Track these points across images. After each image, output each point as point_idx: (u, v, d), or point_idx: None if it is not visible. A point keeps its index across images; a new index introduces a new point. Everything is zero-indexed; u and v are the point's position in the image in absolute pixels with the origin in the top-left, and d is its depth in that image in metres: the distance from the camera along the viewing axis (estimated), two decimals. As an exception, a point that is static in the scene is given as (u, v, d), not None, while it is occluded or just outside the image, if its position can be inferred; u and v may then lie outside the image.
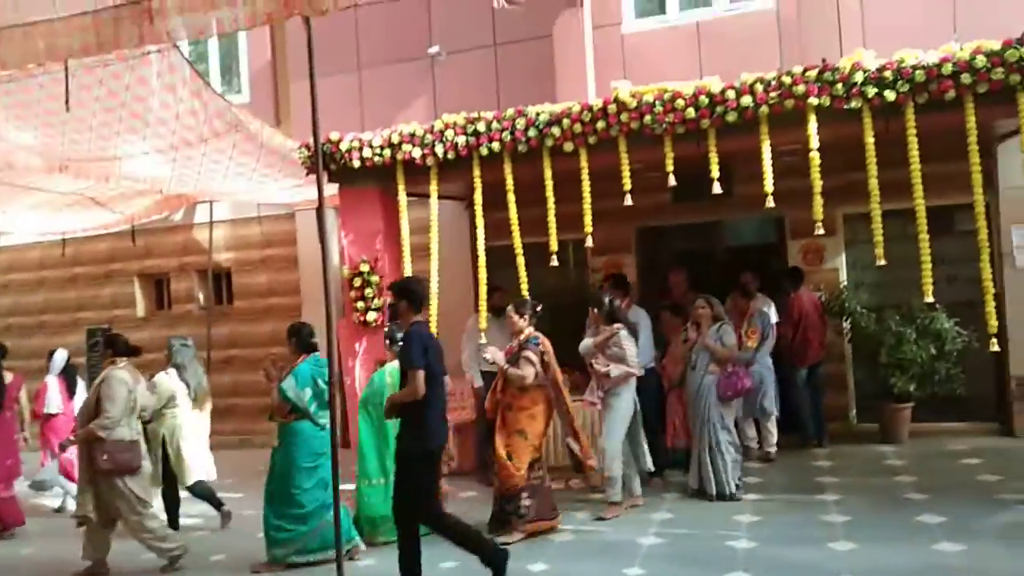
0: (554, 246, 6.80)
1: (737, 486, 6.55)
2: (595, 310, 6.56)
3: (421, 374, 4.86)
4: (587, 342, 6.47)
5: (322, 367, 5.74)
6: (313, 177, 7.54)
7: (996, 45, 5.72)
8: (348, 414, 7.82)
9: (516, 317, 6.15)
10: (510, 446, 5.93)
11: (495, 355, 6.05)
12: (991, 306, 5.98)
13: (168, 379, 6.75)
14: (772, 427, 7.78)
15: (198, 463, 6.84)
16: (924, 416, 8.17)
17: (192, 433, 6.81)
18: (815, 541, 5.42)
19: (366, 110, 9.66)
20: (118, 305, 11.79)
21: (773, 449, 7.76)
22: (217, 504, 6.90)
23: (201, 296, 11.40)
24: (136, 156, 7.07)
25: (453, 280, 8.05)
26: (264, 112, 9.56)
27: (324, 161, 6.94)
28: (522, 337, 6.09)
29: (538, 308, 6.26)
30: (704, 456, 6.58)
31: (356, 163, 7.23)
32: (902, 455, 7.63)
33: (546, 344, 6.13)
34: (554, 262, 6.80)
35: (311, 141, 6.96)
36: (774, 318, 7.86)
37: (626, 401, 6.35)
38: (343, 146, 7.26)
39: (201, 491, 6.84)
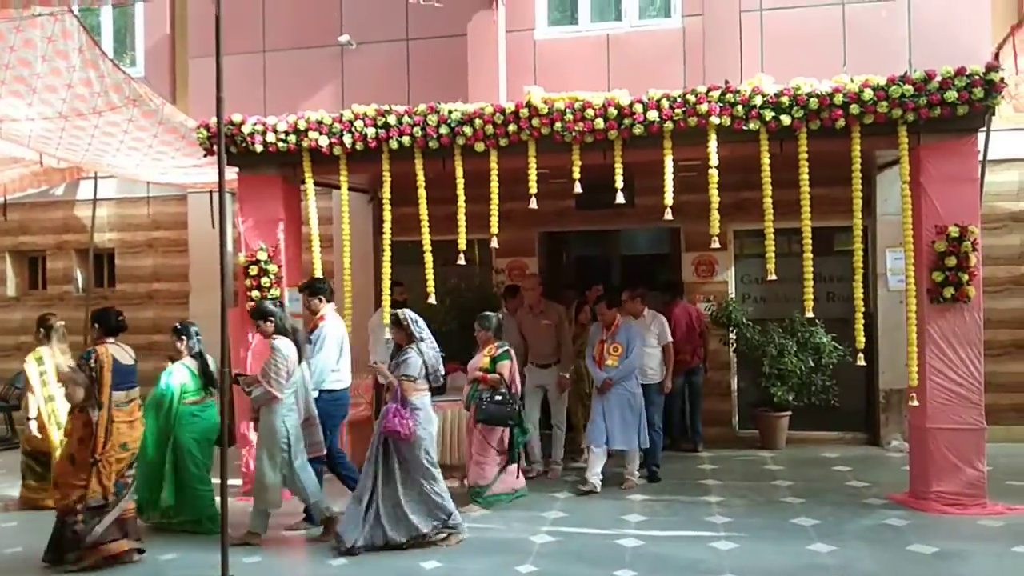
0: (463, 244, 6.80)
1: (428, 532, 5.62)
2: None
3: None
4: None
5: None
6: (209, 159, 7.31)
7: (882, 80, 6.13)
8: (236, 407, 7.55)
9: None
10: None
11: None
12: (860, 323, 6.40)
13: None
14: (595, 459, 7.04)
15: None
16: (800, 424, 8.67)
17: None
18: (699, 540, 5.64)
19: (269, 94, 9.37)
20: (-15, 282, 10.98)
21: (634, 475, 7.16)
22: None
23: (80, 277, 10.75)
24: (20, 121, 6.60)
25: (355, 274, 7.91)
26: (159, 88, 9.12)
27: (224, 144, 6.68)
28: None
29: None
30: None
31: (258, 147, 7.00)
32: (779, 460, 8.05)
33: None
34: (462, 261, 6.81)
35: (211, 121, 6.75)
36: (667, 337, 7.56)
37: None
38: (245, 129, 7.02)
39: None
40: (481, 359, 6.66)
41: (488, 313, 6.88)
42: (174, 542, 5.87)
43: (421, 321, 5.87)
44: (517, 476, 6.85)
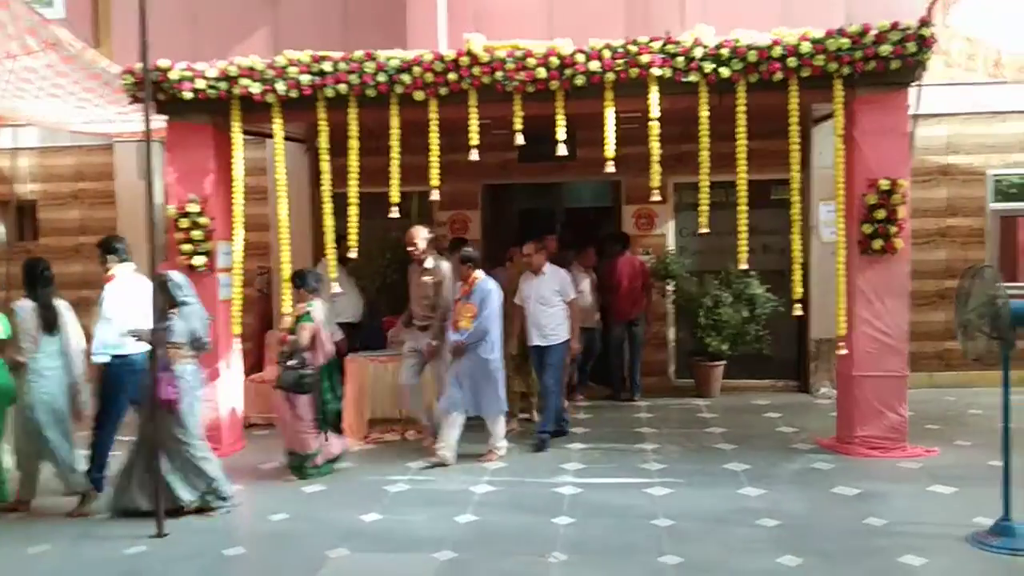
0: (396, 197, 6.68)
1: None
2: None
3: None
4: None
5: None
6: (136, 107, 6.99)
7: (820, 33, 6.18)
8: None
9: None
10: None
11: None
12: (798, 275, 6.57)
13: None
14: (498, 427, 6.63)
15: None
16: (734, 373, 8.91)
17: None
18: (634, 487, 5.78)
19: (199, 39, 8.98)
20: None
21: (498, 447, 6.60)
22: None
23: (1, 230, 10.28)
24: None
25: (291, 228, 7.75)
26: (80, 30, 8.63)
27: (151, 91, 6.40)
28: None
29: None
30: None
31: (187, 95, 6.72)
32: (713, 408, 8.27)
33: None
34: (395, 213, 6.69)
35: (137, 67, 6.44)
36: (568, 293, 6.97)
37: None
38: (173, 75, 6.72)
39: None
40: (289, 319, 6.31)
41: (303, 270, 6.53)
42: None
43: (188, 285, 5.60)
44: (328, 441, 6.27)
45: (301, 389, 6.04)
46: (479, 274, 6.50)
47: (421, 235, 6.76)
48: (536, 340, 6.94)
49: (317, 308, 6.23)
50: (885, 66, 6.14)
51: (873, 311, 6.42)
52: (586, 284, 8.42)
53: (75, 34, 6.61)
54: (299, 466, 6.18)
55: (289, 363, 6.06)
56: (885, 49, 6.07)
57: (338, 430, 6.50)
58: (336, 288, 6.98)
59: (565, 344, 6.94)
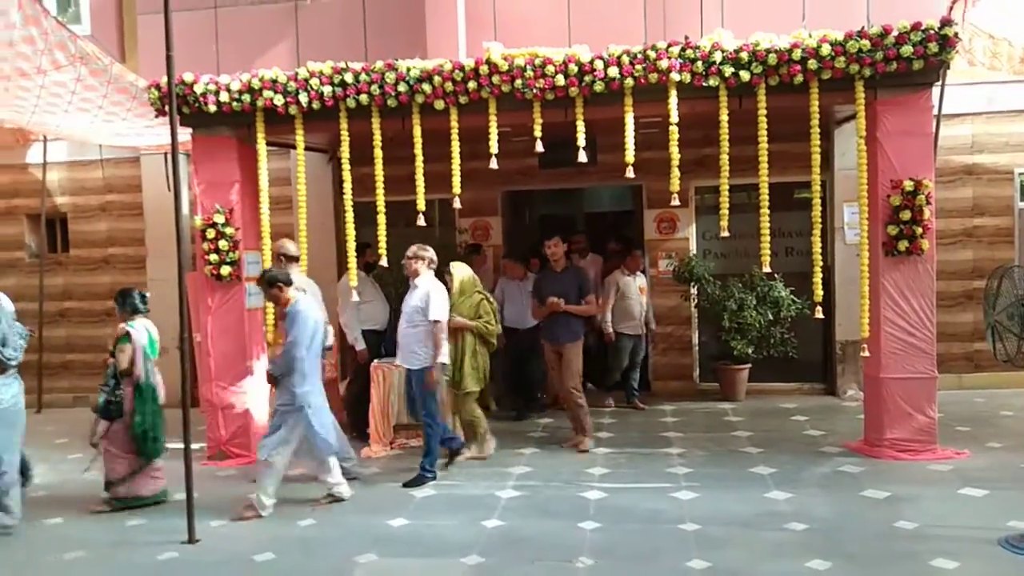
0: (421, 205, 6.75)
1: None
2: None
3: None
4: None
5: None
6: (162, 120, 7.12)
7: (840, 35, 6.16)
8: (197, 372, 7.50)
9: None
10: None
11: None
12: (819, 277, 6.53)
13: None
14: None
15: None
16: (760, 376, 8.86)
17: None
18: (660, 491, 5.77)
19: (222, 52, 9.11)
20: (-67, 250, 10.66)
21: (335, 491, 5.82)
22: None
23: (33, 243, 10.49)
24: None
25: (315, 237, 7.85)
26: (106, 47, 8.82)
27: (176, 104, 6.51)
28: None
29: None
30: None
31: (212, 108, 6.83)
32: (739, 412, 8.23)
33: None
34: (421, 222, 6.76)
35: (162, 80, 6.56)
36: (437, 313, 6.07)
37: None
38: (198, 89, 6.84)
39: None
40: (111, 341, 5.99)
41: (126, 289, 6.03)
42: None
43: (4, 304, 5.49)
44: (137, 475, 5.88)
45: (106, 414, 5.74)
46: (292, 294, 5.72)
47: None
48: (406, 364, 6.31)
49: (138, 329, 5.83)
50: (907, 67, 6.10)
51: (900, 312, 6.37)
52: (633, 289, 8.41)
53: (101, 49, 6.76)
54: (107, 488, 5.89)
55: (102, 386, 5.79)
56: (907, 50, 6.03)
57: (147, 457, 5.84)
58: (355, 297, 7.05)
59: (427, 370, 6.12)
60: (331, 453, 5.78)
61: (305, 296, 5.88)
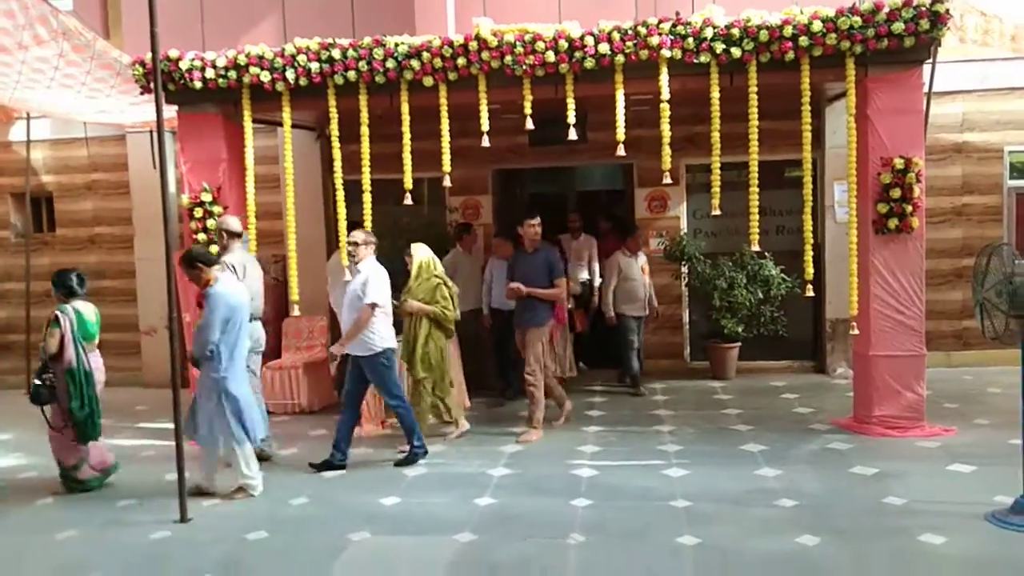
0: (409, 184, 6.69)
1: None
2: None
3: None
4: None
5: None
6: (148, 97, 7.02)
7: (831, 12, 6.12)
8: (187, 352, 7.45)
9: None
10: None
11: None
12: (809, 255, 6.54)
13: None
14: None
15: None
16: (750, 355, 8.90)
17: None
18: (651, 468, 5.80)
19: (207, 28, 8.98)
20: (-85, 230, 10.52)
21: (248, 483, 5.61)
22: None
23: (18, 223, 10.37)
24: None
25: (303, 215, 7.79)
26: (90, 21, 8.67)
27: (161, 81, 6.42)
28: None
29: None
30: None
31: (197, 84, 6.75)
32: (729, 390, 8.28)
33: None
34: (408, 200, 6.71)
35: (147, 57, 6.47)
36: (372, 295, 5.97)
37: None
38: (183, 65, 6.75)
39: None
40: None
41: (63, 271, 5.92)
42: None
43: None
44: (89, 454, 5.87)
45: (37, 399, 5.63)
46: (214, 274, 5.49)
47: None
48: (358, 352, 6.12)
49: (69, 312, 5.69)
50: (898, 44, 6.08)
51: (889, 291, 6.39)
52: (636, 270, 8.24)
53: (84, 25, 6.64)
54: (64, 477, 5.85)
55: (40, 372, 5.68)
56: (898, 27, 6.00)
57: (85, 440, 5.73)
58: (347, 276, 7.00)
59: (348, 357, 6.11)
60: (245, 442, 5.48)
61: (228, 276, 5.65)
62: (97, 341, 5.91)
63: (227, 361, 5.42)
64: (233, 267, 6.15)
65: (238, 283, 5.80)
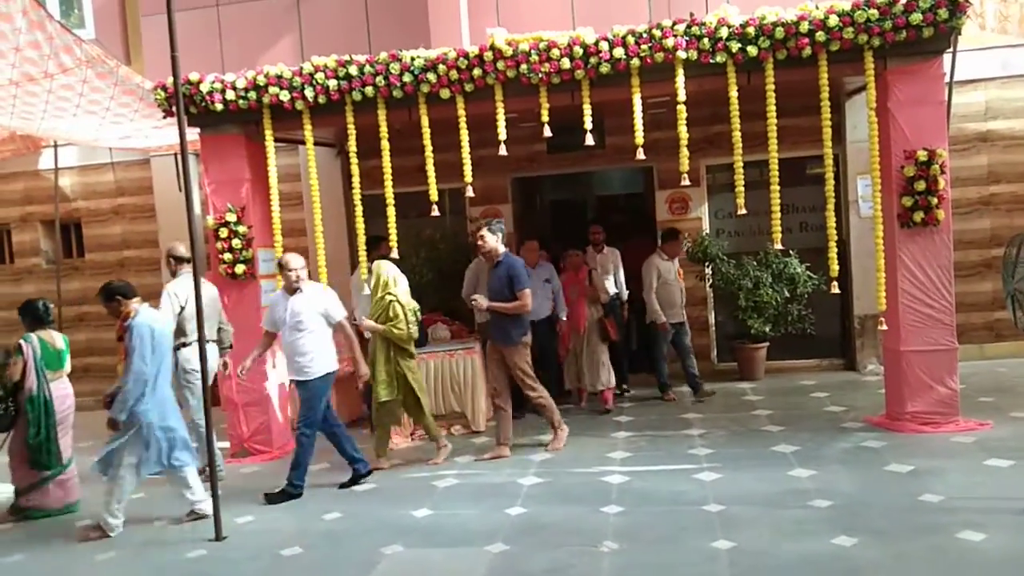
0: (434, 195, 6.72)
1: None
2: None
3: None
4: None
5: None
6: (169, 121, 7.14)
7: (847, 5, 6.07)
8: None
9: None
10: None
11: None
12: (834, 251, 6.47)
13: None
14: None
15: None
16: (778, 354, 8.82)
17: None
18: (682, 473, 5.76)
19: (226, 50, 9.12)
20: (-48, 260, 10.77)
21: (197, 506, 5.56)
22: None
23: (48, 249, 10.57)
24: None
25: (327, 231, 7.85)
26: (112, 49, 8.85)
27: (184, 104, 6.52)
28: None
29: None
30: None
31: (219, 106, 6.85)
32: (759, 391, 8.21)
33: None
34: (435, 212, 6.74)
35: (168, 81, 6.57)
36: (337, 314, 6.00)
37: None
38: (204, 88, 6.85)
39: None
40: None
41: (30, 300, 6.02)
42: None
43: None
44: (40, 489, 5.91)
45: (1, 426, 5.78)
46: (133, 306, 5.34)
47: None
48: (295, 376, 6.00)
49: (33, 341, 5.80)
50: (917, 35, 6.01)
51: (917, 284, 6.31)
52: (673, 274, 8.06)
53: (106, 52, 6.77)
54: (13, 503, 5.95)
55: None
56: (916, 18, 5.93)
57: (39, 468, 5.83)
58: (366, 290, 7.05)
59: (309, 383, 5.90)
60: (183, 466, 5.46)
61: (146, 308, 5.47)
62: (68, 369, 6.04)
63: (148, 392, 5.25)
64: (176, 294, 6.26)
65: (159, 312, 5.84)
